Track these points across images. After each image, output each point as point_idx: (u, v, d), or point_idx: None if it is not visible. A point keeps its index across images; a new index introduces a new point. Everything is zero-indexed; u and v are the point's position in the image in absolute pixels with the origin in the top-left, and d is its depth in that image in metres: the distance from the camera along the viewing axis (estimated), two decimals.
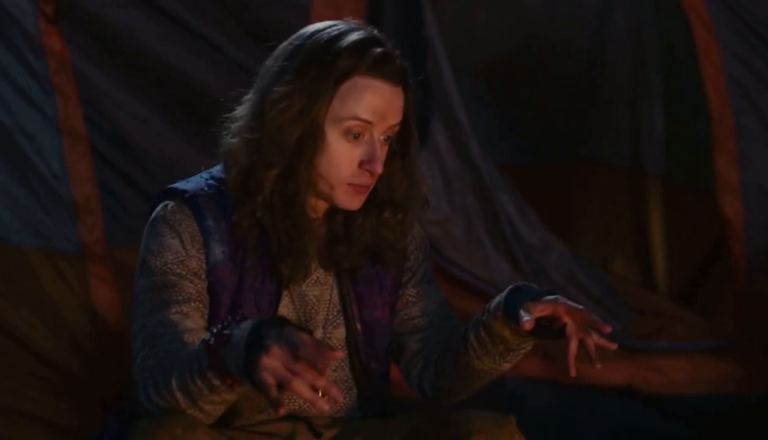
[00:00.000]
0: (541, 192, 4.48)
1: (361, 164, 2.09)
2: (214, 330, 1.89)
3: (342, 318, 2.21)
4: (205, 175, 2.20)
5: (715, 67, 3.76)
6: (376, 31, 2.13)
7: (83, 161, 3.35)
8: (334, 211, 2.17)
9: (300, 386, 1.79)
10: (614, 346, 2.08)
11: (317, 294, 2.19)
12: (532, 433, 2.23)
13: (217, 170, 2.20)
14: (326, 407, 1.81)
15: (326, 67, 2.07)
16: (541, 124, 4.76)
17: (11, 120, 3.30)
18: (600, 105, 4.71)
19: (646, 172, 4.60)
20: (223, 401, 1.94)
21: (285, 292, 2.15)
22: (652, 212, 4.55)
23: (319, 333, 2.18)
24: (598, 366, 2.08)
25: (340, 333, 2.21)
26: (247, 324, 1.87)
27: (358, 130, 2.08)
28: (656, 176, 4.58)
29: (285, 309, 2.16)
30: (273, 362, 1.80)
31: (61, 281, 3.32)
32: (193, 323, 2.06)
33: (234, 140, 2.13)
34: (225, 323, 1.91)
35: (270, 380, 1.80)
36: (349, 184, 2.10)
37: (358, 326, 2.22)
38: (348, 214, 2.17)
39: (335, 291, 2.21)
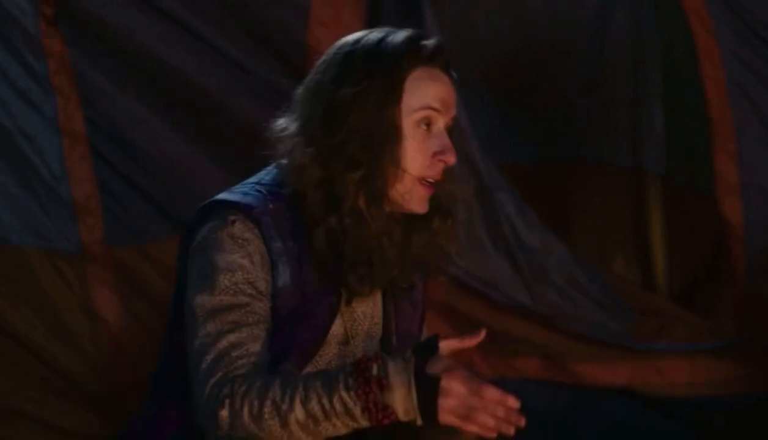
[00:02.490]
0: (541, 192, 4.47)
1: (434, 155, 2.11)
2: (361, 373, 1.90)
3: (378, 329, 2.22)
4: (259, 187, 2.15)
5: (715, 68, 3.75)
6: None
7: (83, 161, 3.35)
8: (394, 225, 2.15)
9: (484, 419, 1.87)
10: None
11: (364, 310, 2.19)
12: (532, 433, 2.23)
13: (269, 182, 2.16)
14: (512, 431, 1.90)
15: (390, 62, 2.08)
16: (541, 124, 4.76)
17: (11, 121, 3.30)
18: (600, 105, 4.70)
19: (646, 172, 4.59)
20: (348, 430, 1.96)
21: (339, 311, 2.15)
22: (652, 212, 4.55)
23: (360, 347, 2.19)
24: None
25: (375, 344, 2.23)
26: (403, 365, 1.89)
27: (429, 120, 2.10)
28: (656, 176, 4.57)
29: (335, 326, 2.15)
30: (452, 401, 1.87)
31: (61, 281, 3.32)
32: (263, 347, 2.03)
33: (308, 150, 2.09)
34: (364, 363, 1.91)
35: (455, 421, 1.88)
36: (421, 180, 2.11)
37: (394, 340, 2.24)
38: (403, 231, 2.16)
39: (376, 305, 2.22)
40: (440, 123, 2.12)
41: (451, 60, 2.16)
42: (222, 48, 3.42)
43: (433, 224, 2.18)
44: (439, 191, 2.17)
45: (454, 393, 1.87)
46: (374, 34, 2.13)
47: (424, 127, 2.11)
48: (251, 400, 1.94)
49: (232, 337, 2.00)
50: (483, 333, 2.00)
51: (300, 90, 2.17)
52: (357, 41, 2.13)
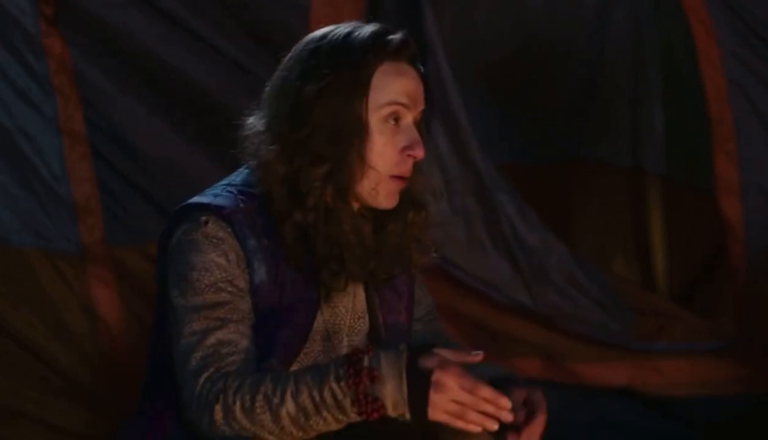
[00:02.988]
0: (542, 192, 4.47)
1: (403, 150, 2.10)
2: (352, 365, 1.90)
3: (363, 323, 2.21)
4: (230, 188, 2.15)
5: (715, 68, 3.75)
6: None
7: (83, 162, 3.35)
8: (362, 222, 2.15)
9: (474, 417, 1.88)
10: None
11: (345, 305, 2.19)
12: None
13: (240, 182, 2.16)
14: (496, 427, 1.90)
15: (357, 57, 2.08)
16: (541, 124, 4.76)
17: (11, 121, 3.30)
18: (600, 105, 4.70)
19: (646, 172, 4.60)
20: (339, 426, 1.95)
21: (319, 306, 2.14)
22: (652, 212, 4.55)
23: (344, 342, 2.18)
24: None
25: (362, 339, 2.21)
26: (394, 357, 1.90)
27: (397, 115, 2.09)
28: (656, 176, 4.58)
29: (317, 322, 2.14)
30: (443, 397, 1.87)
31: (61, 281, 3.32)
32: (251, 343, 2.04)
33: (272, 147, 2.09)
34: (356, 355, 1.91)
35: (444, 418, 1.88)
36: (391, 177, 2.10)
37: (383, 333, 2.23)
38: (377, 224, 2.16)
39: (358, 299, 2.21)
40: (408, 118, 2.11)
41: (417, 53, 2.14)
42: (222, 48, 3.42)
43: (407, 217, 2.18)
44: (411, 183, 2.16)
45: (446, 387, 1.87)
46: (341, 29, 2.12)
47: (392, 122, 2.10)
48: (243, 395, 1.94)
49: (219, 334, 2.01)
50: (481, 356, 1.98)
51: (267, 87, 2.17)
52: (323, 36, 2.12)
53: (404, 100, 2.10)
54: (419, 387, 1.87)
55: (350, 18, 3.38)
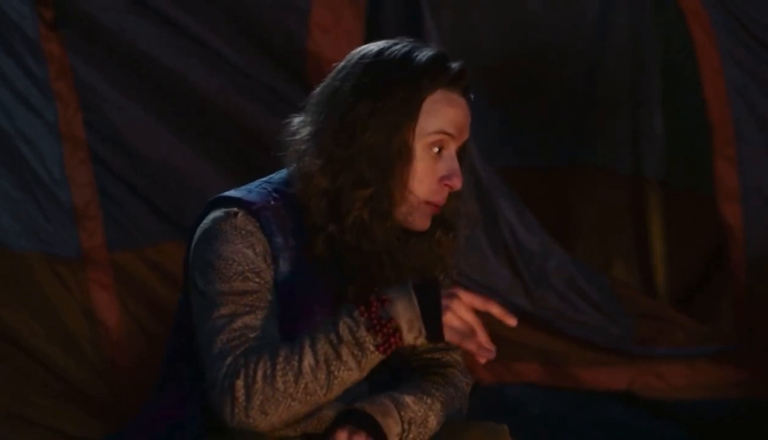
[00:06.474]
0: (541, 197, 4.47)
1: (441, 179, 2.09)
2: (361, 298, 1.94)
3: None
4: (266, 185, 2.15)
5: (715, 73, 3.75)
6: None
7: (83, 167, 3.35)
8: (394, 242, 2.14)
9: (474, 343, 1.94)
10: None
11: None
12: (532, 438, 2.23)
13: (277, 180, 2.16)
14: (491, 356, 1.96)
15: (411, 81, 2.06)
16: (540, 128, 4.76)
17: (11, 125, 3.30)
18: (600, 110, 4.70)
19: (646, 177, 4.59)
20: (360, 371, 1.96)
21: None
22: (651, 217, 4.55)
23: None
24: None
25: None
26: (401, 284, 1.96)
27: (441, 144, 2.08)
28: (656, 181, 4.58)
29: None
30: (454, 305, 1.93)
31: (61, 286, 3.32)
32: (277, 332, 2.03)
33: (317, 160, 2.08)
34: (374, 294, 1.95)
35: (455, 337, 1.93)
36: (427, 202, 2.10)
37: None
38: (403, 239, 2.16)
39: None
40: (452, 148, 2.10)
41: (470, 84, 2.14)
42: (223, 52, 3.42)
43: (434, 235, 2.17)
44: (444, 205, 2.15)
45: (457, 297, 1.92)
46: (398, 48, 2.10)
47: (435, 151, 2.09)
48: (264, 362, 1.94)
49: (246, 319, 2.01)
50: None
51: (316, 92, 2.14)
52: (380, 53, 2.09)
53: (451, 131, 2.09)
54: (430, 298, 1.92)
55: (351, 23, 3.42)
